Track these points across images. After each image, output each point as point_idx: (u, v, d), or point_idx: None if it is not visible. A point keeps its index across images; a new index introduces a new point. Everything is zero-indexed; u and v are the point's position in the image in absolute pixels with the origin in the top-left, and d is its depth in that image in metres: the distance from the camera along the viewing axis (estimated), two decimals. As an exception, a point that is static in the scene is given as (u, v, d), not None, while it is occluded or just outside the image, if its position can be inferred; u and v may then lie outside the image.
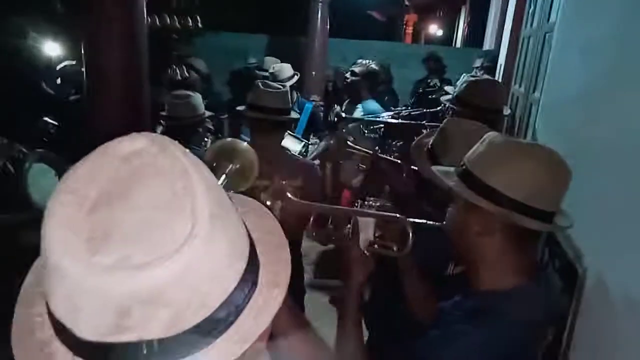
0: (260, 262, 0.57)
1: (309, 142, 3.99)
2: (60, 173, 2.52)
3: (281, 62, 4.68)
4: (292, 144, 3.45)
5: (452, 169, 1.13)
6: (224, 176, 1.15)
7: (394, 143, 3.16)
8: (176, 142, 0.52)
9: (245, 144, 1.38)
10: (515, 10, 3.97)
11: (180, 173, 0.49)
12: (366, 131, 3.50)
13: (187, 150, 0.52)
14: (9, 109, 4.00)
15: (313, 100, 5.02)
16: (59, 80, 4.31)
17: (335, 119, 3.39)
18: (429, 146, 1.62)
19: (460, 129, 1.54)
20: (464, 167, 1.07)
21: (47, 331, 0.50)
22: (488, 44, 5.91)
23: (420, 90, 5.05)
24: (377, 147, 2.41)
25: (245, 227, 0.57)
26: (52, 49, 4.94)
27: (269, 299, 0.54)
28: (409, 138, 1.87)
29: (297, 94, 4.56)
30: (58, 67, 4.35)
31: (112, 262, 0.45)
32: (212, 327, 0.49)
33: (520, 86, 3.27)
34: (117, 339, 0.45)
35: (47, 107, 4.12)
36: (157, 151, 0.50)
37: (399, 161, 1.93)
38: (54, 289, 0.47)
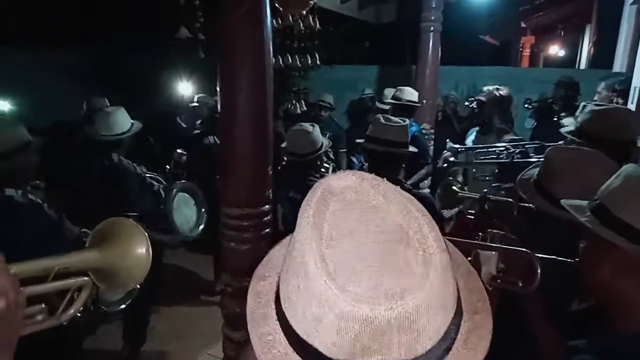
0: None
1: None
2: (198, 203, 2.80)
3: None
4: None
5: (584, 202, 1.09)
6: None
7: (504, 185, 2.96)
8: (382, 179, 0.58)
9: None
10: (652, 28, 3.63)
11: (398, 209, 0.54)
12: (476, 172, 3.33)
13: (396, 187, 0.57)
14: (154, 141, 4.60)
15: (423, 129, 4.98)
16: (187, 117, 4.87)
17: (445, 165, 3.28)
18: (535, 178, 1.55)
19: (565, 156, 1.47)
20: (597, 201, 1.03)
21: (282, 348, 0.55)
22: (619, 65, 5.42)
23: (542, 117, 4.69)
24: (485, 190, 2.32)
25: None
26: (190, 89, 5.58)
27: (472, 327, 0.57)
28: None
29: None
30: (193, 101, 4.91)
31: (365, 290, 0.49)
32: (437, 354, 0.52)
33: (660, 111, 2.97)
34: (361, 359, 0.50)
35: (179, 139, 4.67)
36: (370, 187, 0.56)
37: (509, 200, 1.85)
38: (302, 310, 0.52)
